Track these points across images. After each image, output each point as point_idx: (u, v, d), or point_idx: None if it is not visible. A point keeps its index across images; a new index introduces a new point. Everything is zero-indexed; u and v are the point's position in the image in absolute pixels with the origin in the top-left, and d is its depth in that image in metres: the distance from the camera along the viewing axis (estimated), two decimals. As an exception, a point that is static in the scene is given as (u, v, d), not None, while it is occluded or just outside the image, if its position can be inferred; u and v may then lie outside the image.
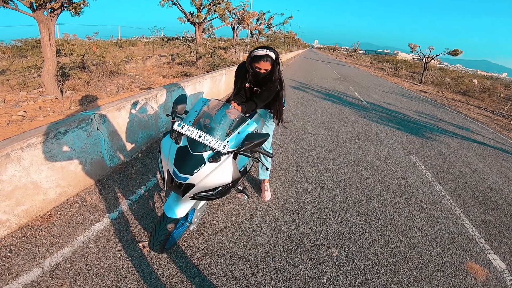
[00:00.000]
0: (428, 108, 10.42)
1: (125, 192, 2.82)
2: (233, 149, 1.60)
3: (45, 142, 2.24)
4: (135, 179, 3.06)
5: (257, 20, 18.40)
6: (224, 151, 1.55)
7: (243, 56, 15.72)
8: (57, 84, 6.32)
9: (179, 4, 10.62)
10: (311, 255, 2.31)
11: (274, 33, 24.31)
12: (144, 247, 2.12)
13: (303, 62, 26.29)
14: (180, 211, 1.73)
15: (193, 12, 10.81)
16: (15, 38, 9.38)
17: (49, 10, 5.68)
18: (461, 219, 3.23)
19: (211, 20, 11.32)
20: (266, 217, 2.70)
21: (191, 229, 2.06)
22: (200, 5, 10.56)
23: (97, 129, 2.82)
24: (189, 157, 1.56)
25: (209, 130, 1.71)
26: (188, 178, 1.51)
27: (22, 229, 2.17)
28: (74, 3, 6.08)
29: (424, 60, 22.02)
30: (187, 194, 1.58)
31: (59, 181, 2.44)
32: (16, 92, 6.41)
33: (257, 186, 3.17)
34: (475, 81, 25.55)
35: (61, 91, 6.43)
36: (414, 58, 62.31)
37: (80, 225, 2.30)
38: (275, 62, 2.11)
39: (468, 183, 4.20)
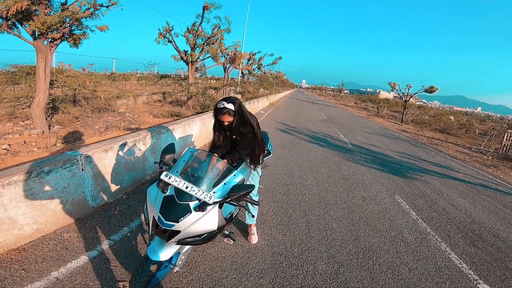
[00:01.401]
0: (410, 148, 10.86)
1: (107, 231, 2.79)
2: (219, 200, 1.67)
3: (27, 181, 2.27)
4: (118, 220, 3.03)
5: (248, 60, 19.42)
6: (210, 201, 1.61)
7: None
8: (46, 118, 6.28)
9: (174, 42, 11.16)
10: (297, 299, 2.27)
11: (264, 73, 25.53)
12: (124, 286, 2.07)
13: (291, 104, 27.28)
14: (164, 254, 1.74)
15: (187, 51, 11.34)
16: (9, 62, 9.19)
17: (50, 40, 5.81)
18: (447, 253, 3.30)
19: (204, 59, 11.87)
20: (252, 259, 2.67)
21: (175, 271, 2.04)
22: (194, 45, 11.11)
23: (82, 170, 2.83)
24: (175, 206, 1.61)
25: (196, 180, 1.75)
26: (174, 225, 1.57)
27: None
28: (74, 34, 6.26)
29: (403, 98, 23.32)
30: (172, 240, 1.62)
31: (36, 218, 2.44)
32: (3, 123, 6.34)
33: (244, 229, 3.16)
34: (452, 118, 27.07)
35: (49, 126, 6.41)
36: (394, 96, 65.92)
37: (55, 261, 2.27)
38: (237, 113, 2.17)
39: (452, 219, 4.32)
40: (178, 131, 5.00)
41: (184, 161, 1.87)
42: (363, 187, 5.36)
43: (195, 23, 11.18)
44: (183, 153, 1.98)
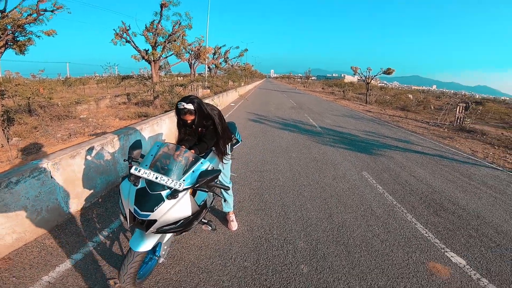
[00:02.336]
0: (374, 127, 11.53)
1: (88, 235, 2.82)
2: (188, 186, 1.77)
3: None
4: (97, 223, 3.05)
5: (214, 54, 19.14)
6: (180, 188, 1.72)
7: (202, 92, 16.03)
8: (3, 130, 5.88)
9: (133, 42, 10.69)
10: (282, 275, 2.45)
11: (232, 66, 25.31)
12: (115, 283, 2.12)
13: (261, 94, 27.45)
14: (146, 245, 1.82)
15: (147, 50, 10.95)
16: None
17: (-8, 49, 5.41)
18: (413, 223, 3.59)
19: (166, 57, 11.52)
20: (235, 245, 2.79)
21: (160, 262, 2.11)
22: (155, 43, 10.75)
23: (51, 177, 2.82)
24: (148, 197, 1.71)
25: (166, 172, 1.84)
26: (149, 214, 1.66)
27: None
28: (19, 41, 5.90)
29: (366, 81, 24.55)
30: (151, 229, 1.71)
31: (14, 227, 2.46)
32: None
33: (224, 218, 3.26)
34: (411, 96, 28.91)
35: (7, 138, 5.98)
36: (358, 79, 68.60)
37: (43, 267, 2.32)
38: (197, 111, 2.25)
39: (414, 190, 4.71)
40: (147, 130, 4.92)
41: (152, 155, 1.95)
42: (333, 166, 5.66)
43: (153, 21, 10.81)
44: (150, 147, 2.06)
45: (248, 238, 2.95)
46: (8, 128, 6.52)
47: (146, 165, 1.84)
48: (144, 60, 10.96)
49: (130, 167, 1.76)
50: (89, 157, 3.38)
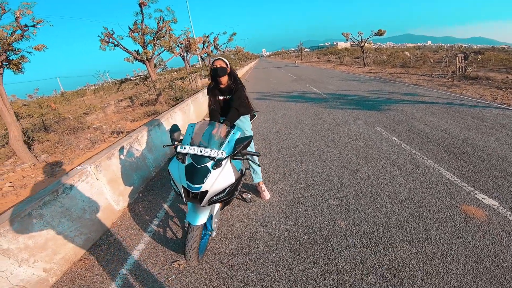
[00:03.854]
0: (377, 85, 11.46)
1: (142, 226, 3.04)
2: (228, 154, 1.97)
3: (57, 199, 2.46)
4: (145, 215, 3.27)
5: (203, 44, 18.92)
6: (223, 156, 1.90)
7: (201, 82, 15.98)
8: (30, 149, 6.15)
9: (121, 45, 10.63)
10: (322, 231, 2.61)
11: (223, 52, 24.99)
12: (179, 265, 2.33)
13: (259, 73, 27.30)
14: (202, 218, 2.01)
15: (138, 50, 10.93)
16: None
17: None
18: (436, 169, 3.60)
19: (159, 54, 11.51)
20: (272, 212, 2.97)
21: (213, 235, 2.30)
22: (144, 42, 10.71)
23: (97, 179, 3.02)
24: (197, 170, 1.87)
25: (204, 146, 2.00)
26: (201, 186, 1.82)
27: (66, 275, 2.39)
28: (12, 60, 5.98)
29: (360, 44, 24.17)
30: (204, 201, 1.87)
31: (80, 229, 2.68)
32: (-14, 167, 6.10)
33: (256, 191, 3.41)
34: (407, 53, 28.28)
35: (35, 156, 6.24)
36: (351, 44, 66.89)
37: (116, 261, 2.53)
38: (229, 68, 2.78)
39: (430, 137, 4.76)
40: (164, 124, 5.08)
41: (189, 134, 2.12)
42: (346, 126, 5.79)
43: (136, 21, 10.69)
44: (186, 129, 2.24)
45: (282, 203, 3.12)
46: (32, 147, 6.78)
47: (187, 144, 2.01)
48: (137, 60, 10.95)
49: (175, 147, 1.95)
50: (122, 156, 3.58)
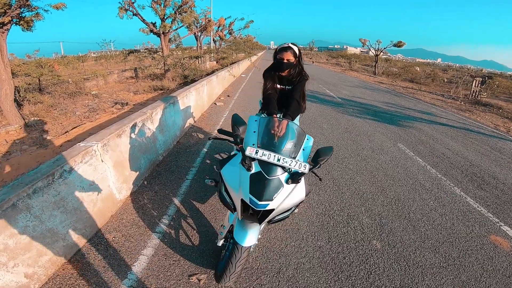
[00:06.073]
0: (392, 98, 11.27)
1: (149, 225, 2.54)
2: (311, 168, 1.50)
3: (52, 184, 1.92)
4: (152, 209, 2.78)
5: (219, 26, 18.29)
6: (306, 171, 1.45)
7: (210, 64, 15.45)
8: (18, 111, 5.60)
9: (140, 15, 10.09)
10: (358, 251, 2.39)
11: (235, 38, 24.36)
12: (199, 280, 1.96)
13: (268, 64, 26.38)
14: (252, 237, 1.59)
15: (155, 23, 10.37)
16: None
17: (-1, 26, 4.98)
18: (463, 197, 3.55)
19: (177, 29, 10.95)
20: (302, 225, 2.70)
21: (251, 250, 1.96)
22: (164, 15, 10.18)
23: (102, 161, 2.49)
24: (267, 183, 1.41)
25: (274, 151, 1.51)
26: (268, 204, 1.39)
27: (52, 280, 1.89)
28: (25, 17, 5.45)
29: (375, 53, 23.87)
30: (265, 221, 1.48)
31: (74, 224, 2.15)
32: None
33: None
34: (418, 68, 28.29)
35: (24, 119, 5.71)
36: (361, 51, 66.63)
37: (118, 268, 2.04)
38: (299, 54, 2.29)
39: (454, 163, 4.62)
40: (179, 103, 4.70)
41: (254, 131, 1.64)
42: (367, 137, 5.56)
43: None
44: (249, 123, 1.76)
45: (312, 215, 2.86)
46: (21, 108, 6.20)
47: (254, 144, 1.53)
48: (152, 33, 10.38)
49: (242, 149, 1.50)
50: (133, 135, 3.08)
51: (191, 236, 2.43)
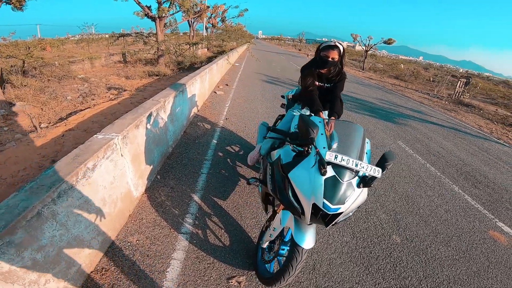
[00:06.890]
0: (384, 95, 11.58)
1: (172, 224, 2.42)
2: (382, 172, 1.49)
3: (76, 186, 1.72)
4: (172, 207, 2.64)
5: (211, 14, 17.77)
6: (379, 176, 1.43)
7: (201, 51, 15.05)
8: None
9: (135, -3, 9.60)
10: (382, 246, 2.54)
11: (226, 26, 23.81)
12: (239, 282, 1.94)
13: (258, 54, 26.19)
14: (311, 238, 1.60)
15: (150, 6, 9.92)
16: None
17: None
18: (462, 194, 3.78)
19: (173, 14, 10.54)
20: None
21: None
22: (161, -1, 9.74)
23: (122, 155, 2.30)
24: (341, 187, 1.42)
25: (343, 154, 1.50)
26: (339, 208, 1.40)
27: None
28: None
29: (365, 48, 24.27)
30: (332, 223, 1.48)
31: (98, 229, 1.99)
32: None
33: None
34: (402, 65, 29.10)
35: (10, 104, 5.31)
36: (348, 45, 67.17)
37: (151, 274, 1.93)
38: (343, 52, 2.27)
39: (449, 162, 4.87)
40: (187, 91, 4.57)
41: (322, 134, 1.59)
42: (369, 134, 5.75)
43: None
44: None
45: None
46: (4, 91, 5.71)
47: (324, 148, 1.50)
48: (147, 17, 9.92)
49: (320, 152, 1.44)
50: (148, 126, 2.93)
51: (220, 236, 2.37)
